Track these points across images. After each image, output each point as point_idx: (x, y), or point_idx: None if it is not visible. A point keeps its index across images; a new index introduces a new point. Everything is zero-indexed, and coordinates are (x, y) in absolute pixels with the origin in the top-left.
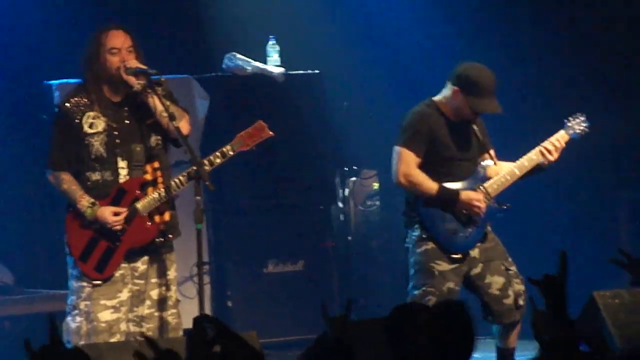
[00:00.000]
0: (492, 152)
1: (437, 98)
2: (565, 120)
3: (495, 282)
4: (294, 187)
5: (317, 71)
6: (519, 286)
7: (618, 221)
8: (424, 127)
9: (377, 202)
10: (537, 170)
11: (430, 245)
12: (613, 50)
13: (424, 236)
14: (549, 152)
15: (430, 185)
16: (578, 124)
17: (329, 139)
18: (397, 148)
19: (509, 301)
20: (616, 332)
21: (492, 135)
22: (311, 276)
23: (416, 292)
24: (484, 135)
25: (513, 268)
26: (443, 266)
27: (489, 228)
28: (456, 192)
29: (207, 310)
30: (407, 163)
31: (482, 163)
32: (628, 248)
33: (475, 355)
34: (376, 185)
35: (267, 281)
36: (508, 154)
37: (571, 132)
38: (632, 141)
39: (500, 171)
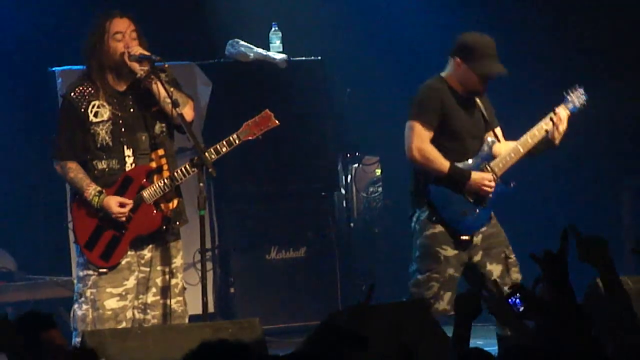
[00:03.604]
0: (497, 130)
1: (444, 74)
2: (565, 94)
3: (494, 269)
4: (296, 173)
5: (319, 57)
6: (516, 275)
7: (621, 207)
8: (435, 100)
9: (380, 189)
10: (547, 146)
11: (439, 228)
12: (620, 27)
13: (433, 218)
14: (553, 125)
15: (442, 162)
16: (577, 97)
17: (331, 126)
18: (409, 123)
19: (507, 289)
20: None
21: (497, 113)
22: (313, 263)
23: (420, 276)
24: (490, 113)
25: (512, 256)
26: (448, 251)
27: (492, 214)
28: (467, 172)
29: (210, 297)
30: (421, 137)
31: (487, 140)
32: (630, 236)
33: (479, 342)
34: (378, 172)
35: (269, 268)
36: (513, 131)
37: (571, 105)
38: (637, 127)
39: (505, 149)
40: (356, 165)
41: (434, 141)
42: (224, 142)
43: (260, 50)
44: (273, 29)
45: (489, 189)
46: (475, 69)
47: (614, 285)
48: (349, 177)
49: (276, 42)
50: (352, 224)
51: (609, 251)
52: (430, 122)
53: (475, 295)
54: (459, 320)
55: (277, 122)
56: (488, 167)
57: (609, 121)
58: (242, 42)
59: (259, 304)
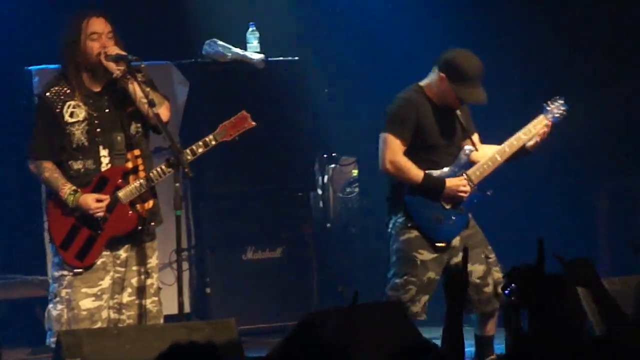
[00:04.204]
0: (475, 137)
1: (423, 83)
2: (544, 105)
3: (476, 270)
4: (273, 174)
5: (296, 58)
6: (498, 274)
7: (597, 210)
8: (411, 113)
9: (356, 189)
10: (522, 153)
11: (414, 233)
12: (594, 35)
13: (408, 224)
14: (537, 135)
15: (416, 172)
16: (557, 108)
17: (309, 126)
18: (383, 135)
19: (488, 289)
20: (595, 321)
21: (475, 120)
22: (290, 263)
23: (397, 280)
24: (467, 121)
25: (492, 256)
26: (425, 255)
27: (469, 215)
28: (442, 180)
29: (186, 297)
30: (394, 150)
31: (465, 149)
32: (606, 238)
33: None
34: (355, 172)
35: (245, 268)
36: (491, 139)
37: (550, 116)
38: (613, 129)
39: (483, 156)
40: (333, 165)
41: (409, 152)
42: (201, 143)
43: (237, 50)
44: (250, 28)
45: (464, 195)
46: (458, 92)
47: (605, 300)
48: (326, 177)
49: (254, 42)
50: (328, 225)
51: (595, 270)
52: (403, 135)
53: (460, 273)
54: (449, 297)
55: (253, 123)
56: (465, 175)
57: (586, 124)
58: (219, 42)
59: (235, 304)
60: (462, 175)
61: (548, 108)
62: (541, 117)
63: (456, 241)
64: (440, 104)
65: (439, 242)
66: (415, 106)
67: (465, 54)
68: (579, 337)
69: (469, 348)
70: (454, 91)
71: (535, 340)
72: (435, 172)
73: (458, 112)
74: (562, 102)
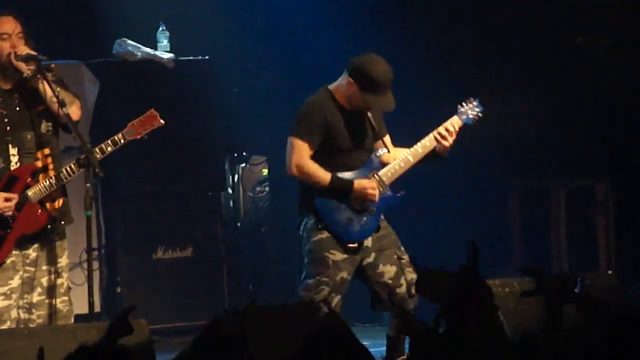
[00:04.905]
0: (386, 139)
1: (332, 86)
2: (459, 106)
3: (388, 271)
4: (183, 173)
5: (207, 57)
6: (411, 275)
7: (508, 209)
8: (319, 117)
9: (267, 189)
10: (435, 157)
11: (325, 234)
12: (510, 38)
13: (319, 226)
14: (443, 137)
15: (323, 175)
16: (471, 109)
17: (219, 125)
18: (290, 139)
19: (402, 290)
20: (506, 320)
21: (388, 122)
22: (200, 262)
23: (310, 281)
24: (379, 123)
25: (405, 257)
26: (337, 256)
27: (382, 217)
28: (349, 182)
29: (96, 297)
30: (300, 154)
31: (377, 151)
32: (517, 236)
33: (365, 342)
34: (265, 172)
35: (156, 267)
36: (404, 140)
37: (464, 117)
38: (524, 129)
39: (395, 158)
40: (243, 165)
41: (317, 156)
42: (109, 142)
43: (147, 49)
44: (160, 28)
45: (372, 196)
46: (366, 100)
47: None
48: (236, 176)
49: (164, 42)
50: (239, 224)
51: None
52: (310, 139)
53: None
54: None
55: (162, 121)
56: (376, 176)
57: (495, 122)
58: (129, 41)
59: (146, 303)
60: (373, 176)
61: (462, 109)
62: (455, 118)
63: (368, 242)
64: (349, 107)
65: (351, 243)
66: (323, 110)
67: (375, 61)
68: (498, 338)
69: (381, 348)
70: (363, 99)
71: (446, 340)
72: (346, 174)
73: (369, 114)
74: (476, 103)
